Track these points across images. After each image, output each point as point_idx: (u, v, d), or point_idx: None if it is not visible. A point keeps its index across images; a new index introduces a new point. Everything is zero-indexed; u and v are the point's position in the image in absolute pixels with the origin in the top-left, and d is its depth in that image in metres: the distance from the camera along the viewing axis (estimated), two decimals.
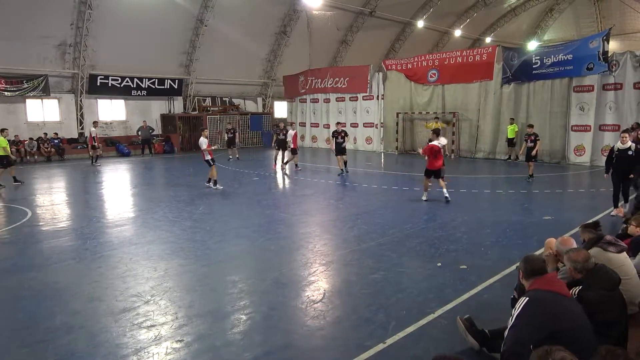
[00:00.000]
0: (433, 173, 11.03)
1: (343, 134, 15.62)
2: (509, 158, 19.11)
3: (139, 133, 23.30)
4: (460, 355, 4.09)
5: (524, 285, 3.60)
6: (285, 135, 17.06)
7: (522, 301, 3.31)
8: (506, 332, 3.36)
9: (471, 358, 4.15)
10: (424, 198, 11.12)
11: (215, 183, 12.95)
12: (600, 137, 17.26)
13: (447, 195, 10.84)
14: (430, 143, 11.04)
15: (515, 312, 3.30)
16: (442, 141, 11.31)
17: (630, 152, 8.90)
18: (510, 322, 3.33)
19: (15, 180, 14.32)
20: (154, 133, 24.34)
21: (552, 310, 3.22)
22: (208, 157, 12.80)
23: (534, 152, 13.57)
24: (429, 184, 11.27)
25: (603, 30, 19.24)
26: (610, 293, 3.69)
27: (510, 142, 18.92)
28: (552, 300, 3.29)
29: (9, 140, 14.99)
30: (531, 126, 14.43)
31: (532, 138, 13.69)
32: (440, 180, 11.00)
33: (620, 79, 16.73)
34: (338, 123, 16.92)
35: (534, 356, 2.46)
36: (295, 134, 17.24)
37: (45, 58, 20.86)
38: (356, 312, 5.11)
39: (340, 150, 15.47)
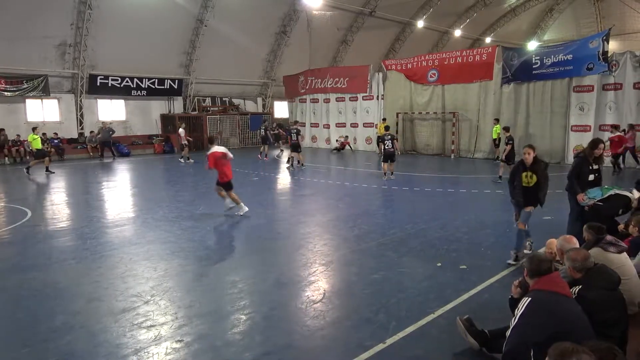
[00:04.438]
0: (226, 185, 9.62)
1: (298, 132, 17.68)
2: (497, 158, 19.20)
3: (99, 135, 22.25)
4: (461, 357, 4.10)
5: (528, 283, 3.61)
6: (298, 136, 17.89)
7: (525, 301, 3.33)
8: (508, 332, 3.37)
9: (471, 358, 4.15)
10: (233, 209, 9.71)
11: None
12: (600, 137, 17.16)
13: (234, 209, 9.62)
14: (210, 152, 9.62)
15: (519, 313, 3.31)
16: (219, 148, 9.65)
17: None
18: (513, 323, 3.34)
19: (47, 170, 16.73)
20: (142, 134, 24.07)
21: (554, 310, 3.23)
22: None
23: (503, 155, 13.65)
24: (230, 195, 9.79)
25: (603, 30, 19.23)
26: (610, 293, 3.69)
27: (495, 143, 19.26)
28: (554, 300, 3.30)
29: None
30: (506, 129, 14.39)
31: (506, 141, 13.75)
32: (231, 193, 9.65)
33: (620, 79, 16.72)
34: (296, 122, 19.31)
35: (557, 350, 2.43)
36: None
37: (45, 58, 20.85)
38: (356, 312, 5.11)
39: (297, 146, 17.49)
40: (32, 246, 7.82)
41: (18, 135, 20.55)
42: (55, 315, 5.07)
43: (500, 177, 13.66)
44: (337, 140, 25.04)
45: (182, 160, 20.31)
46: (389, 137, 14.40)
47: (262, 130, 21.57)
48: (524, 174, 6.44)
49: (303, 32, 28.17)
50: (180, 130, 21.20)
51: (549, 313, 3.22)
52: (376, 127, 23.92)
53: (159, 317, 4.96)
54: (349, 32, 30.60)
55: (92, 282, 6.07)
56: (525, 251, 6.65)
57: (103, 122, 22.68)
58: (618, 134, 15.22)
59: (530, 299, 3.32)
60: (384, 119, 21.48)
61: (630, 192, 6.38)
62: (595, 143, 6.85)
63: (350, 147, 24.70)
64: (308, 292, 5.67)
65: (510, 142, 13.74)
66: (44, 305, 5.34)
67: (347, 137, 24.72)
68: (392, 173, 14.39)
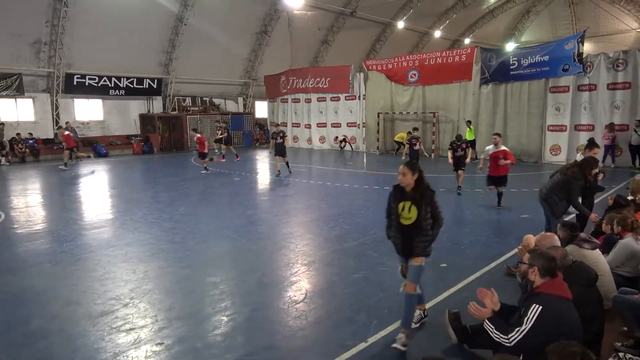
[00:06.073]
0: None
1: (282, 135, 15.30)
2: (475, 158, 18.75)
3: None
4: (444, 354, 4.14)
5: (533, 281, 3.52)
6: (283, 138, 15.33)
7: (536, 310, 3.29)
8: (515, 335, 3.35)
9: (452, 356, 4.19)
10: None
11: None
12: (575, 136, 17.67)
13: None
14: None
15: (530, 323, 3.29)
16: None
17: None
18: (523, 329, 3.32)
19: None
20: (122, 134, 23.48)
21: (566, 318, 3.28)
22: None
23: (467, 161, 12.39)
24: None
25: (578, 32, 19.71)
26: (589, 289, 3.78)
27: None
28: (566, 308, 3.34)
29: None
30: (460, 136, 13.21)
31: (464, 147, 12.25)
32: None
33: (595, 80, 17.15)
34: (278, 124, 17.69)
35: (560, 350, 2.50)
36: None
37: (19, 56, 20.31)
38: (338, 311, 5.12)
39: (279, 151, 15.23)
40: (6, 249, 7.61)
41: None
42: (31, 319, 4.95)
43: (459, 187, 12.33)
44: (340, 140, 24.88)
45: (65, 165, 18.10)
46: (407, 140, 14.45)
47: (223, 129, 21.43)
48: (400, 205, 4.39)
49: (284, 32, 28.10)
50: (66, 133, 18.69)
51: (559, 321, 3.25)
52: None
53: (138, 320, 4.88)
54: (330, 32, 30.66)
55: (69, 285, 5.95)
56: (413, 324, 4.52)
57: (66, 123, 21.26)
58: (504, 148, 10.39)
59: (541, 307, 3.28)
60: (415, 129, 18.15)
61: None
62: (593, 163, 6.46)
63: (351, 146, 24.52)
64: (290, 293, 5.66)
65: (469, 146, 12.90)
66: (20, 310, 5.21)
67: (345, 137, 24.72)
68: None
